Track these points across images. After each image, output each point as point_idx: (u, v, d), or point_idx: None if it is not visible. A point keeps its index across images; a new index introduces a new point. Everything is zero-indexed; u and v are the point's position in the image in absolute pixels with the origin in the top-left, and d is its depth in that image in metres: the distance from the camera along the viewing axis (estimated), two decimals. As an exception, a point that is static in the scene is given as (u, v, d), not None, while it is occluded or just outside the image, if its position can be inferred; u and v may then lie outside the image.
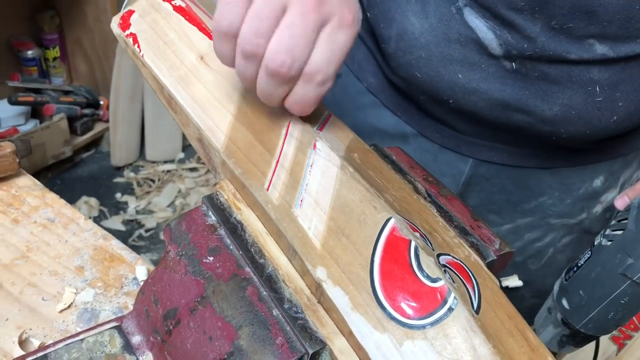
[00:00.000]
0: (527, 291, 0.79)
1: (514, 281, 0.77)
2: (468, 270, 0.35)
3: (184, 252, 0.37)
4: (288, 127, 0.40)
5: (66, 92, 1.98)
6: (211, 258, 0.36)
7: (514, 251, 0.42)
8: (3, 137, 1.72)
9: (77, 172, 1.98)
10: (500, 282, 0.44)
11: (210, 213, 0.39)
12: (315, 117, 0.43)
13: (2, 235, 0.59)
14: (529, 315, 0.88)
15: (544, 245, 0.76)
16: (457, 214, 0.42)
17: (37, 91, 1.91)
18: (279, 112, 0.42)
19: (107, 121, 2.02)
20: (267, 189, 0.38)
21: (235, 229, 0.38)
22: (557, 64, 0.55)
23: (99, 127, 2.04)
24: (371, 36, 0.64)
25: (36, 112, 1.92)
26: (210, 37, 0.46)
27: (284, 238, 0.36)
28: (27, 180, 0.66)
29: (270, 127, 0.41)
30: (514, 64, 0.55)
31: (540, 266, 0.78)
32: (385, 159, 0.45)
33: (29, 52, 1.96)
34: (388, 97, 0.66)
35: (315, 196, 0.37)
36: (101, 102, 2.04)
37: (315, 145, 0.39)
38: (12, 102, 1.74)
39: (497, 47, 0.55)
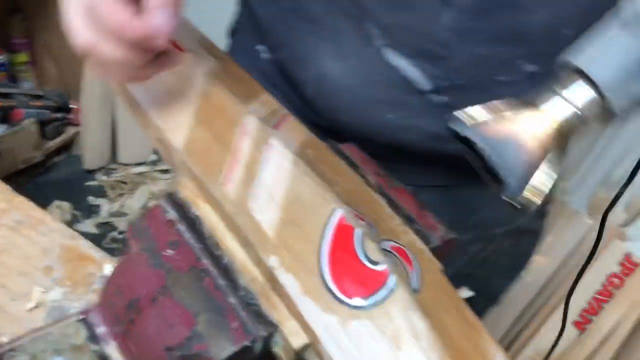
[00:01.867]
0: (480, 299, 0.81)
1: (464, 292, 0.78)
2: (410, 255, 0.38)
3: (145, 247, 0.39)
4: (244, 126, 0.43)
5: (36, 97, 1.97)
6: (171, 251, 0.39)
7: (457, 237, 0.45)
8: (-27, 143, 1.71)
9: (49, 176, 1.97)
10: (445, 267, 0.47)
11: (169, 209, 0.41)
12: (271, 117, 0.45)
13: (-30, 238, 0.61)
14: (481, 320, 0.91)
15: (488, 253, 0.77)
16: (404, 204, 0.45)
17: (5, 96, 1.89)
18: (236, 111, 0.44)
19: (78, 125, 2.02)
20: (224, 185, 0.41)
21: (194, 224, 0.40)
22: (489, 90, 0.54)
23: (70, 131, 2.03)
24: (284, 79, 0.62)
25: (5, 117, 1.91)
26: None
27: (239, 230, 0.39)
28: (-5, 184, 0.67)
29: (227, 126, 0.43)
30: (444, 97, 0.55)
31: (487, 272, 0.79)
32: (339, 155, 0.47)
33: (-4, 57, 1.94)
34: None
35: (270, 190, 0.40)
36: (72, 106, 2.03)
37: (269, 143, 0.41)
38: (-20, 108, 1.73)
39: (425, 83, 0.55)
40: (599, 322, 1.28)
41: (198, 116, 0.45)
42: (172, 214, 0.41)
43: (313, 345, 0.35)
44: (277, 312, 0.36)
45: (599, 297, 1.27)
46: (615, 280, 1.25)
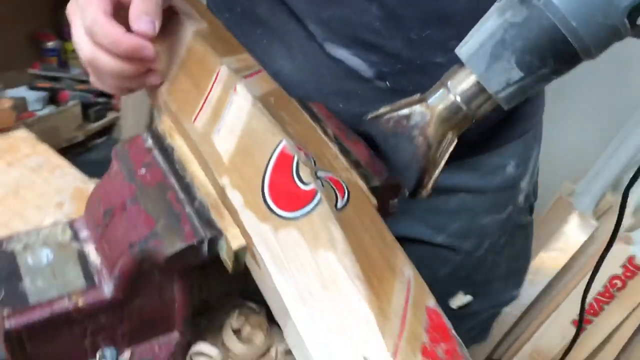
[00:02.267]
0: (478, 303, 0.80)
1: (461, 299, 0.79)
2: (343, 184, 0.44)
3: (123, 166, 0.47)
4: (218, 73, 0.50)
5: (82, 82, 2.11)
6: (143, 170, 0.46)
7: (400, 184, 0.51)
8: (22, 119, 1.86)
9: (89, 156, 2.10)
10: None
11: (149, 138, 0.48)
12: (245, 70, 0.52)
13: (-3, 175, 0.70)
14: (486, 328, 0.89)
15: (484, 253, 0.77)
16: (356, 152, 0.51)
17: (55, 80, 2.04)
18: (214, 63, 0.51)
19: (118, 110, 2.15)
20: (194, 121, 0.48)
21: (167, 151, 0.48)
22: (428, 72, 0.56)
23: (111, 116, 2.16)
24: None
25: (53, 99, 2.05)
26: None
27: (202, 157, 0.46)
28: (23, 133, 0.76)
29: (204, 75, 0.51)
30: (387, 82, 0.58)
31: (484, 275, 0.79)
32: (306, 109, 0.54)
33: (50, 44, 2.09)
34: None
35: (230, 126, 0.47)
36: (115, 92, 2.16)
37: (236, 88, 0.48)
38: (31, 88, 1.87)
39: (367, 71, 0.58)
40: (600, 323, 1.30)
41: (182, 66, 0.52)
42: (150, 143, 0.48)
43: (249, 248, 0.42)
44: (223, 221, 0.43)
45: (600, 298, 1.28)
46: (617, 282, 1.27)
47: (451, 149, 0.44)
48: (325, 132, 0.52)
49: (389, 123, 0.45)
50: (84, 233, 0.47)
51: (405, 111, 0.44)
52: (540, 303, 1.39)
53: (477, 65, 0.40)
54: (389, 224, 0.73)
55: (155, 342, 0.50)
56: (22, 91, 1.91)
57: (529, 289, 1.37)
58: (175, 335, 0.51)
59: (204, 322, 0.58)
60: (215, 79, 0.50)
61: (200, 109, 0.48)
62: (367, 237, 0.42)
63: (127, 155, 0.47)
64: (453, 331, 0.40)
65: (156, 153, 0.48)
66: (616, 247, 1.28)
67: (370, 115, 0.46)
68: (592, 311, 1.28)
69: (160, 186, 0.45)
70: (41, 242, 0.45)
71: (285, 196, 0.42)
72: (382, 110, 0.45)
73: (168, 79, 0.52)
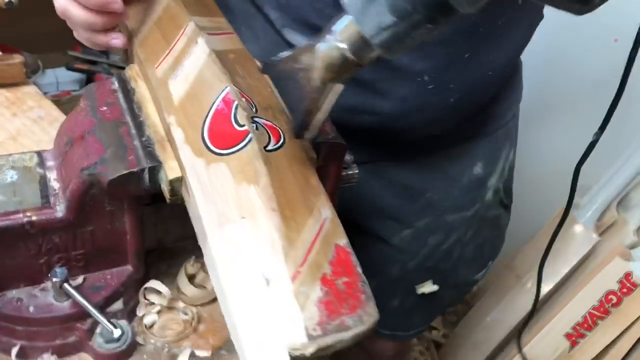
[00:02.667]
0: (444, 290, 0.84)
1: (429, 287, 0.83)
2: (281, 133, 0.48)
3: (89, 104, 0.51)
4: (185, 28, 0.54)
5: (119, 68, 2.20)
6: (105, 108, 0.51)
7: (345, 144, 0.54)
8: (58, 98, 1.96)
9: (119, 139, 2.19)
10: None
11: (115, 82, 0.53)
12: (214, 30, 0.57)
13: (1, 122, 0.76)
14: (446, 306, 0.92)
15: (450, 245, 0.80)
16: (306, 111, 0.55)
17: (94, 63, 2.14)
18: (184, 20, 0.55)
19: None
20: (156, 68, 0.52)
21: (128, 93, 0.52)
22: (385, 62, 0.56)
23: (144, 103, 2.25)
24: None
25: (90, 81, 2.15)
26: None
27: (157, 99, 0.50)
28: (31, 89, 0.83)
29: (174, 30, 0.55)
30: None
31: (451, 264, 0.83)
32: (268, 71, 0.58)
33: (93, 29, 2.20)
34: None
35: (186, 74, 0.51)
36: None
37: (197, 41, 0.53)
38: (69, 68, 1.97)
39: None
40: (593, 338, 1.28)
41: (157, 22, 0.57)
42: (115, 85, 0.53)
43: (183, 179, 0.46)
44: (165, 155, 0.47)
45: (595, 312, 1.27)
46: (613, 297, 1.25)
47: (336, 95, 0.44)
48: (282, 93, 0.56)
49: (284, 66, 0.46)
50: (50, 162, 0.52)
51: (295, 55, 0.45)
52: (536, 314, 1.38)
53: (353, 8, 0.40)
54: (361, 219, 0.76)
55: (108, 273, 0.55)
56: (60, 71, 2.02)
57: (524, 299, 1.36)
58: (128, 268, 0.55)
59: (164, 267, 0.62)
60: (182, 33, 0.54)
61: (164, 58, 0.53)
62: (291, 178, 0.45)
63: (95, 94, 0.52)
64: (359, 269, 0.42)
65: (119, 95, 0.52)
66: (614, 262, 1.27)
67: (272, 58, 0.48)
68: (585, 325, 1.27)
69: (116, 122, 0.50)
70: (9, 165, 0.51)
71: (221, 135, 0.46)
72: (281, 54, 0.47)
73: (142, 33, 0.56)
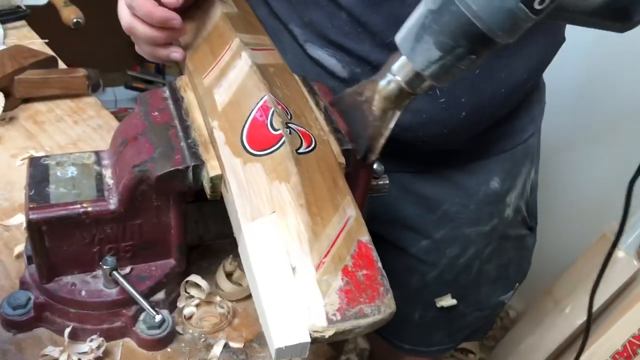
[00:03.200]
0: (465, 306, 0.86)
1: (447, 300, 0.85)
2: (312, 138, 0.52)
3: (142, 108, 0.57)
4: (231, 43, 0.60)
5: (173, 88, 2.31)
6: (156, 113, 0.56)
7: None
8: (116, 114, 2.07)
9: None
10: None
11: (166, 90, 0.59)
12: (257, 45, 0.62)
13: (64, 129, 0.83)
14: (474, 331, 0.94)
15: (468, 259, 0.82)
16: (340, 122, 0.59)
17: (150, 82, 2.26)
18: (230, 37, 0.61)
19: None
20: (204, 78, 0.58)
21: (178, 100, 0.58)
22: None
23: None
24: None
25: (146, 100, 2.27)
26: None
27: (203, 106, 0.55)
28: (92, 100, 0.90)
29: (221, 45, 0.61)
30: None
31: (472, 280, 0.84)
32: (306, 85, 0.62)
33: (150, 51, 2.32)
34: None
35: (230, 83, 0.56)
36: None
37: (241, 55, 0.58)
38: (127, 87, 2.09)
39: (342, 71, 0.64)
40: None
41: (206, 38, 0.63)
42: (167, 93, 0.59)
43: (223, 176, 0.50)
44: (207, 155, 0.52)
45: (635, 341, 1.24)
46: (655, 326, 1.23)
47: (394, 121, 0.50)
48: (317, 104, 0.60)
49: (349, 99, 0.52)
50: (105, 161, 0.58)
51: (358, 89, 0.51)
52: (576, 340, 1.36)
53: (405, 48, 0.46)
54: (381, 228, 0.79)
55: (152, 264, 0.60)
56: (119, 90, 2.14)
57: (563, 325, 1.34)
58: (171, 261, 0.60)
59: (205, 264, 0.67)
60: (228, 47, 0.59)
61: (211, 70, 0.58)
62: (320, 178, 0.49)
63: (147, 101, 0.58)
64: (379, 264, 0.46)
65: (170, 102, 0.58)
66: (657, 290, 1.24)
67: (340, 94, 0.53)
68: (625, 354, 1.24)
69: (165, 125, 0.55)
70: (70, 162, 0.57)
71: (258, 138, 0.50)
72: (347, 90, 0.53)
73: (192, 48, 0.62)
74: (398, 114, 0.50)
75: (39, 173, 0.55)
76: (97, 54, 1.97)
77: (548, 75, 0.78)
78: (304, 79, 0.63)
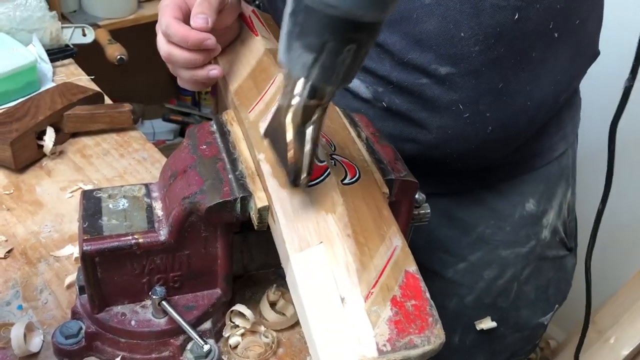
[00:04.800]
0: (505, 328, 0.85)
1: (487, 323, 0.85)
2: (356, 169, 0.53)
3: (191, 142, 0.59)
4: (275, 79, 0.61)
5: (209, 119, 2.36)
6: (204, 146, 0.58)
7: (417, 182, 0.58)
8: (155, 146, 2.12)
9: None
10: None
11: (213, 124, 0.61)
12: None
13: (110, 162, 0.86)
14: (514, 352, 0.92)
15: (507, 281, 0.81)
16: (382, 152, 0.59)
17: (187, 115, 2.31)
18: (274, 72, 0.63)
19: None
20: (249, 112, 0.59)
21: (225, 134, 0.60)
22: (417, 92, 0.62)
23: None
24: None
25: (183, 132, 2.32)
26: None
27: (249, 139, 0.57)
28: (137, 134, 0.93)
29: (265, 80, 0.62)
30: (383, 102, 0.65)
31: (511, 302, 0.83)
32: (345, 115, 0.64)
33: (187, 84, 2.38)
34: None
35: (275, 117, 0.57)
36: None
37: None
38: (165, 119, 2.14)
39: (365, 91, 0.65)
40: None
41: (250, 73, 0.65)
42: (214, 127, 0.61)
43: (270, 207, 0.51)
44: (255, 187, 0.53)
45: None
46: None
47: (311, 136, 0.46)
48: (359, 135, 0.61)
49: (270, 129, 0.49)
50: (155, 193, 0.60)
51: (274, 117, 0.48)
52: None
53: (284, 61, 0.42)
54: (416, 252, 0.79)
55: (199, 294, 0.61)
56: (156, 122, 2.20)
57: (607, 356, 1.31)
58: (217, 291, 0.61)
59: (248, 294, 0.68)
60: (272, 82, 0.61)
61: (256, 104, 0.60)
62: (365, 209, 0.50)
63: (195, 135, 0.60)
64: (428, 294, 0.46)
65: (217, 135, 0.60)
66: None
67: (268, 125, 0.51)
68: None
69: (214, 158, 0.57)
70: (121, 195, 0.59)
71: (304, 170, 0.51)
72: (270, 120, 0.50)
73: (237, 82, 0.64)
74: (312, 128, 0.45)
75: (91, 205, 0.57)
76: (137, 87, 2.03)
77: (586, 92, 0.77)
78: (344, 111, 0.65)
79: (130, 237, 0.54)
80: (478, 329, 0.84)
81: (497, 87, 0.63)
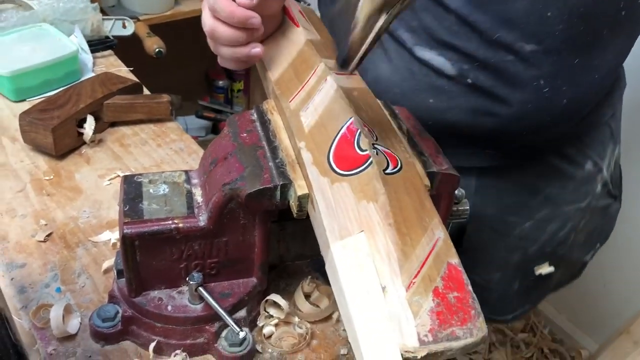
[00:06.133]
0: (558, 270, 0.92)
1: (546, 268, 0.91)
2: (398, 159, 0.52)
3: (231, 130, 0.59)
4: (316, 68, 0.61)
5: (241, 117, 2.37)
6: (245, 134, 0.58)
7: (459, 176, 0.57)
8: (185, 142, 2.14)
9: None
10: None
11: (254, 113, 0.61)
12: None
13: (148, 151, 0.87)
14: (558, 284, 1.00)
15: (566, 232, 0.88)
16: (423, 145, 0.59)
17: (220, 112, 2.33)
18: (315, 62, 0.62)
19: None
20: (290, 102, 0.59)
21: (265, 122, 0.59)
22: (502, 69, 0.66)
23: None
24: None
25: (215, 129, 2.34)
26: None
27: (290, 128, 0.57)
28: (174, 125, 0.94)
29: (306, 70, 0.62)
30: (468, 79, 0.68)
31: (567, 249, 0.91)
32: (387, 108, 0.63)
33: (220, 82, 2.40)
34: None
35: (316, 106, 0.57)
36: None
37: (326, 79, 0.59)
38: (198, 116, 2.16)
39: (450, 69, 0.68)
40: None
41: (291, 63, 0.64)
42: (254, 116, 0.61)
43: (310, 196, 0.51)
44: (295, 175, 0.53)
45: None
46: None
47: (377, 28, 0.46)
48: (400, 127, 0.61)
49: (339, 5, 0.48)
50: (195, 180, 0.60)
51: None
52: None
53: None
54: (486, 218, 0.84)
55: (235, 282, 0.61)
56: (190, 119, 2.22)
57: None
58: (253, 280, 0.61)
59: (283, 284, 0.67)
60: (314, 72, 0.61)
61: (297, 93, 0.60)
62: (407, 199, 0.49)
63: (236, 123, 0.60)
64: (470, 287, 0.45)
65: (257, 124, 0.60)
66: None
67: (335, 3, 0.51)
68: None
69: (254, 146, 0.56)
70: (162, 180, 0.59)
71: (345, 159, 0.51)
72: None
73: (277, 72, 0.64)
74: (385, 19, 0.46)
75: (132, 190, 0.58)
76: (171, 83, 2.05)
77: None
78: (385, 103, 0.64)
79: (170, 222, 0.55)
80: (537, 274, 0.89)
81: (573, 62, 0.67)
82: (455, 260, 0.46)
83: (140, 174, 0.60)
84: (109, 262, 0.67)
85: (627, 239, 1.48)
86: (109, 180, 0.81)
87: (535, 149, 0.79)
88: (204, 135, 2.26)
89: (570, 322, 1.78)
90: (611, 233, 0.99)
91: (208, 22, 0.63)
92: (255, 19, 0.60)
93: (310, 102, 0.58)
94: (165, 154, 0.86)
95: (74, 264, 0.68)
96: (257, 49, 0.63)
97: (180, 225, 0.55)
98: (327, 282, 0.66)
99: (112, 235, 0.71)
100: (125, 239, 0.54)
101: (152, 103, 0.91)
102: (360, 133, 0.52)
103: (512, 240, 0.88)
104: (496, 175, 0.80)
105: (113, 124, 0.91)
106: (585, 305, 1.70)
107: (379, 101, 0.63)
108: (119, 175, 0.81)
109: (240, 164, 0.55)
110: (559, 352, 1.71)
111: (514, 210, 0.84)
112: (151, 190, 0.58)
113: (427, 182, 0.54)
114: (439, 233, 0.48)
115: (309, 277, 0.66)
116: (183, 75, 2.11)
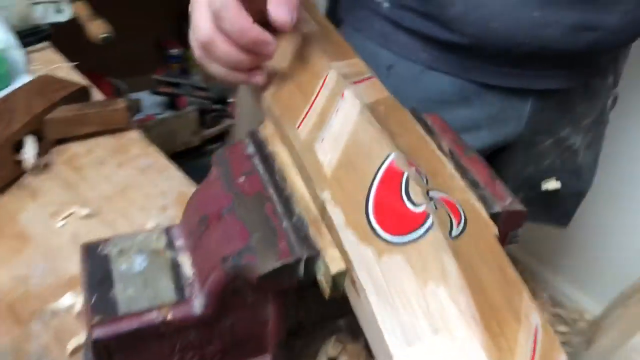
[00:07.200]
0: (567, 188, 0.90)
1: (552, 183, 0.90)
2: (459, 208, 0.39)
3: (222, 173, 0.44)
4: (325, 79, 0.46)
5: (200, 89, 2.18)
6: (242, 178, 0.43)
7: (526, 211, 0.44)
8: (143, 122, 1.95)
9: (204, 161, 2.16)
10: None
11: (250, 144, 0.46)
12: (354, 75, 0.48)
13: (108, 175, 0.71)
14: (568, 213, 0.97)
15: (579, 146, 0.86)
16: (474, 171, 0.45)
17: (176, 85, 2.13)
18: (321, 67, 0.47)
19: (234, 117, 2.20)
20: (298, 128, 0.44)
21: (267, 159, 0.44)
22: None
23: (226, 122, 2.22)
24: (413, 14, 0.69)
25: (173, 104, 2.14)
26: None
27: (303, 167, 0.42)
28: (135, 134, 0.77)
29: (311, 79, 0.47)
30: None
31: (577, 167, 0.89)
32: (419, 121, 0.49)
33: (173, 51, 2.19)
34: (446, 62, 0.71)
35: (335, 135, 0.42)
36: (230, 100, 2.23)
37: (343, 94, 0.44)
38: (153, 92, 1.96)
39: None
40: None
41: (289, 70, 0.49)
42: (250, 149, 0.45)
43: (348, 272, 0.37)
44: (322, 240, 0.39)
45: None
46: None
47: None
48: (440, 147, 0.47)
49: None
50: (179, 241, 0.45)
51: None
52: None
53: None
54: (522, 133, 0.81)
55: (245, 362, 0.47)
56: (144, 95, 2.02)
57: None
58: (267, 357, 0.48)
59: (299, 345, 0.54)
60: (323, 84, 0.46)
61: (305, 115, 0.45)
62: (486, 272, 0.36)
63: (227, 161, 0.45)
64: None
65: (256, 161, 0.45)
66: None
67: None
68: None
69: (258, 197, 0.42)
70: (136, 248, 0.44)
71: (392, 217, 0.37)
72: None
73: (273, 82, 0.49)
74: None
75: (98, 269, 0.42)
76: (119, 59, 1.84)
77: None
78: (414, 112, 0.50)
79: (155, 314, 0.40)
80: (543, 189, 0.87)
81: None
82: (562, 357, 0.34)
83: (106, 241, 0.45)
84: (76, 340, 0.53)
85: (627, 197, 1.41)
86: (63, 219, 0.65)
87: (600, 67, 0.77)
88: (160, 112, 2.07)
89: (570, 285, 1.72)
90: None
91: (205, 29, 0.46)
92: (272, 46, 0.44)
93: (325, 130, 0.43)
94: (129, 176, 0.70)
95: (29, 345, 0.53)
96: (258, 77, 0.48)
97: (169, 317, 0.40)
98: (354, 338, 0.53)
99: (77, 300, 0.56)
100: (97, 345, 0.39)
101: (105, 111, 0.74)
102: (408, 178, 0.38)
103: (530, 157, 0.86)
104: (547, 100, 0.77)
105: (60, 140, 0.74)
106: (585, 266, 1.64)
107: (407, 111, 0.49)
108: (75, 213, 0.65)
109: (243, 227, 0.40)
110: (562, 317, 1.65)
111: (545, 128, 0.82)
112: (123, 267, 0.43)
113: (495, 230, 0.41)
114: (535, 318, 0.35)
115: (334, 337, 0.52)
116: (132, 48, 1.89)
